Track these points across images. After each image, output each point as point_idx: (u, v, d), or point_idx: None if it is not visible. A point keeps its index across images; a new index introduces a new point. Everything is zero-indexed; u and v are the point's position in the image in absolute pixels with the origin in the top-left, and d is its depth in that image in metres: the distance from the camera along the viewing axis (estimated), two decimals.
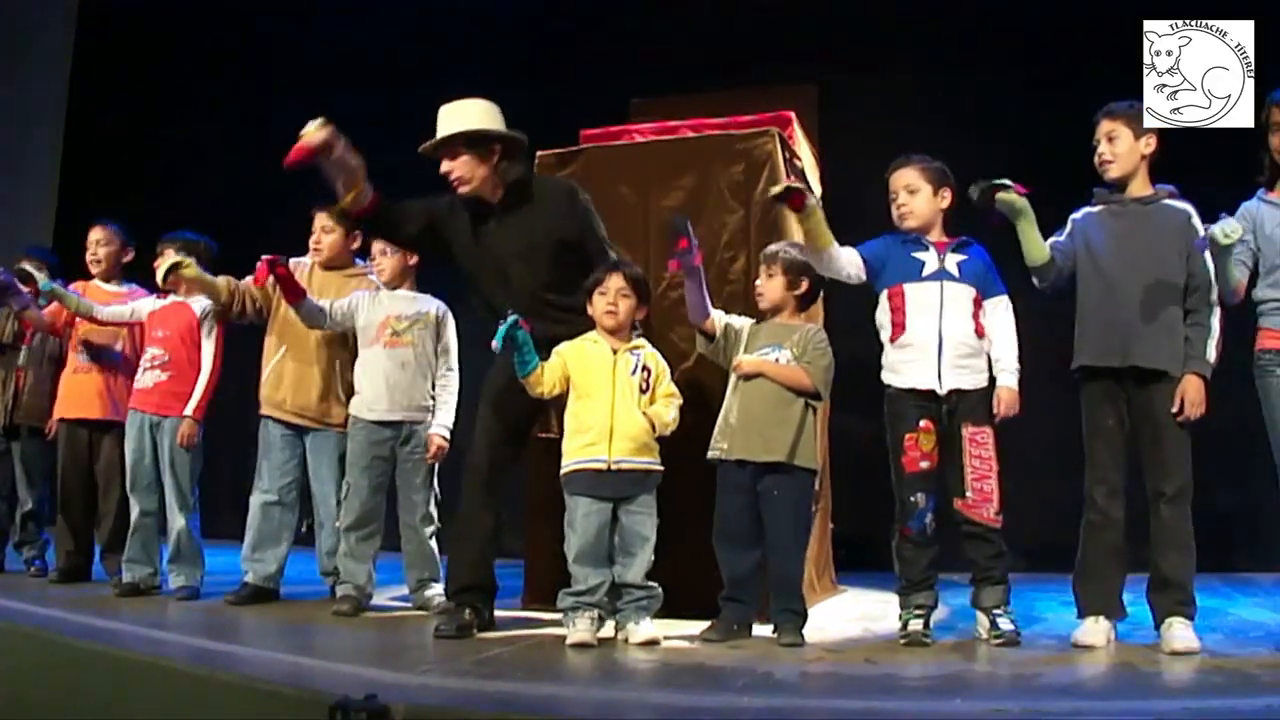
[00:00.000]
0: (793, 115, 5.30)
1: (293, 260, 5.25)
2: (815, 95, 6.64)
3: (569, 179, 4.93)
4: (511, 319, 4.16)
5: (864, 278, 4.39)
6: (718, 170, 5.10)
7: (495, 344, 4.16)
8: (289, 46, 9.10)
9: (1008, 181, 4.11)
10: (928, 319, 4.29)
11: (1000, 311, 4.42)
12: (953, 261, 4.36)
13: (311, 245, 5.40)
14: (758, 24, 7.65)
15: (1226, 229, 3.85)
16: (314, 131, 4.31)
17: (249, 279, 5.33)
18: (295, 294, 5.06)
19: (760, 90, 6.17)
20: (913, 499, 4.25)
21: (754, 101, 5.38)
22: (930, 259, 4.35)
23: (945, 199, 4.41)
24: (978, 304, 4.36)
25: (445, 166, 4.50)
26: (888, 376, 4.36)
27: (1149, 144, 4.23)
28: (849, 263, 4.35)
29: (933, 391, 4.26)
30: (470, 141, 4.49)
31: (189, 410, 5.48)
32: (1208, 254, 4.10)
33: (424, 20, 8.62)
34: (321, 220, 5.39)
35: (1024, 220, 4.18)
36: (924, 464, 4.26)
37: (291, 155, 4.28)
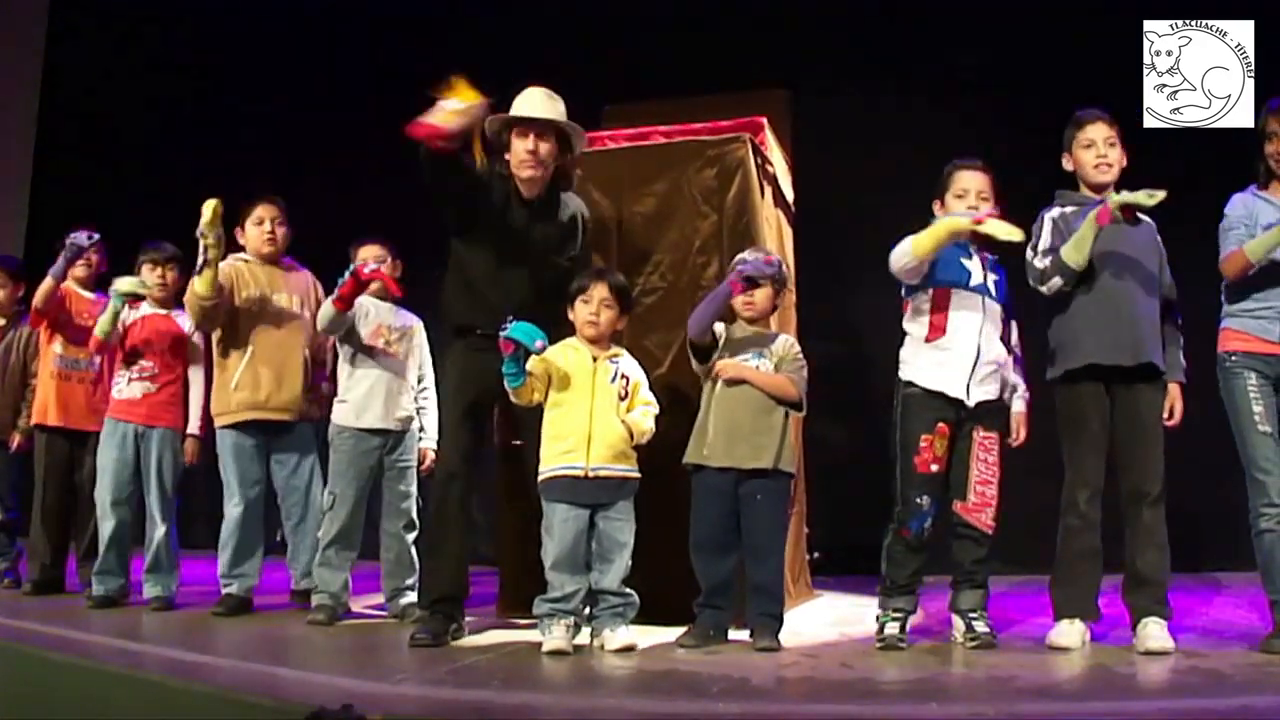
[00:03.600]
0: (764, 121, 5.31)
1: (227, 260, 5.25)
2: (787, 100, 6.65)
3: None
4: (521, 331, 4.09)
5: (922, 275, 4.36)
6: (690, 176, 5.10)
7: (509, 335, 4.07)
8: (264, 53, 9.07)
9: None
10: (969, 329, 4.29)
11: (1014, 335, 4.48)
12: (991, 279, 4.39)
13: (264, 237, 5.36)
14: (729, 29, 7.65)
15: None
16: (453, 117, 4.14)
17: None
18: (350, 302, 4.96)
19: (732, 95, 6.18)
20: (918, 500, 4.25)
21: (726, 107, 5.38)
22: (976, 270, 4.36)
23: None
24: (1005, 323, 4.42)
25: (534, 144, 4.50)
26: (912, 374, 4.34)
27: (1122, 156, 4.30)
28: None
29: (960, 401, 4.28)
30: (561, 135, 4.57)
31: (193, 428, 5.54)
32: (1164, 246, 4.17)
33: (396, 27, 8.61)
34: (272, 211, 5.39)
35: (1093, 224, 4.16)
36: (934, 467, 4.26)
37: (421, 130, 4.09)
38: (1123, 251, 4.21)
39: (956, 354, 4.29)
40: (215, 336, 5.34)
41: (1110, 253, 4.22)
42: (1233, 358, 4.16)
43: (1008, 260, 4.44)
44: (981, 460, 4.29)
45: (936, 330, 4.33)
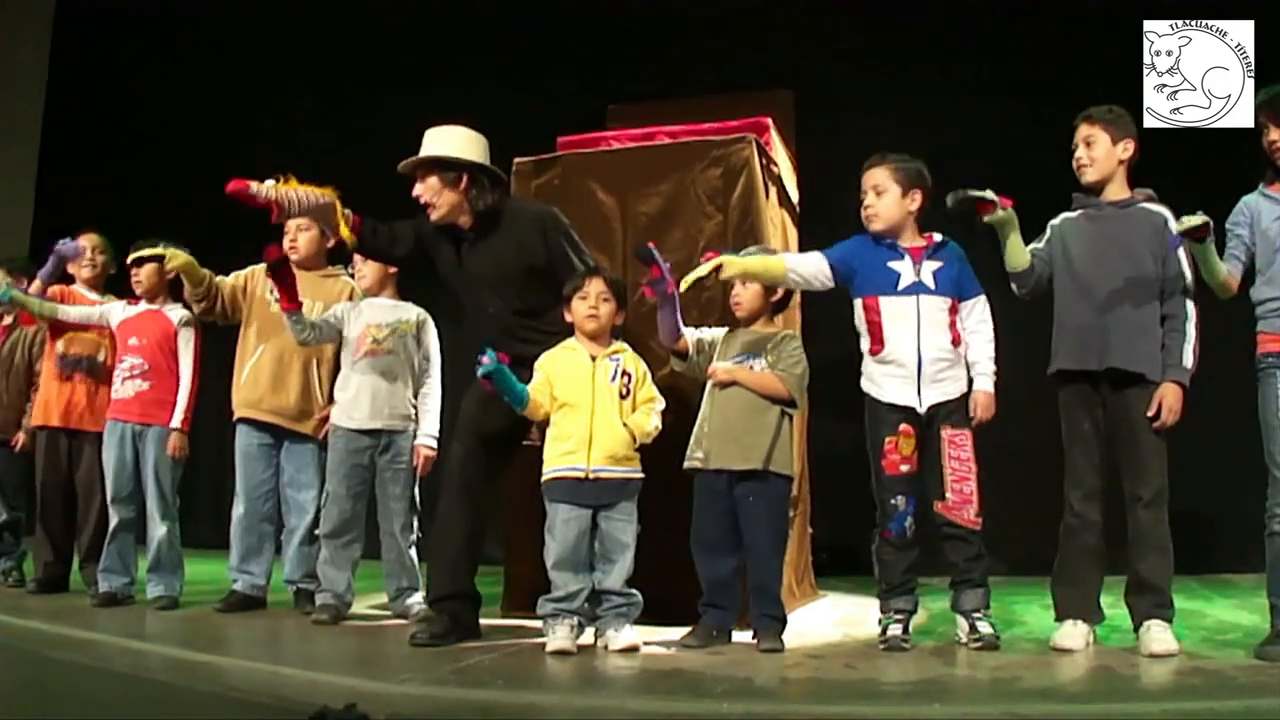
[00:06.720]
0: (769, 121, 5.31)
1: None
2: (792, 100, 6.64)
3: (548, 204, 4.88)
4: (490, 358, 4.14)
5: (833, 283, 4.38)
6: (694, 176, 5.10)
7: (480, 374, 4.17)
8: (264, 52, 9.07)
9: (989, 193, 4.09)
10: (906, 335, 4.27)
11: (978, 312, 4.38)
12: (928, 271, 4.32)
13: (287, 245, 5.36)
14: (734, 30, 7.65)
15: (1186, 217, 3.86)
16: (265, 191, 4.36)
17: (228, 276, 5.42)
18: (294, 301, 5.01)
19: (737, 96, 6.17)
20: (893, 502, 4.25)
21: (731, 107, 5.39)
22: (906, 270, 4.31)
23: (915, 201, 4.36)
24: (954, 311, 4.34)
25: (416, 189, 4.55)
26: (868, 386, 4.35)
27: (1127, 149, 4.23)
28: (817, 273, 4.35)
29: (912, 407, 4.27)
30: (440, 166, 4.53)
31: (176, 422, 5.48)
32: (1182, 252, 4.11)
33: (401, 27, 8.60)
34: (296, 219, 5.37)
35: (1009, 228, 4.19)
36: (904, 467, 4.25)
37: (230, 186, 4.29)
38: (1102, 249, 4.20)
39: (898, 366, 4.28)
40: (240, 333, 5.43)
41: (1094, 253, 4.21)
42: (1269, 359, 4.05)
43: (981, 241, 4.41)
44: (953, 459, 4.26)
45: (877, 343, 4.32)
